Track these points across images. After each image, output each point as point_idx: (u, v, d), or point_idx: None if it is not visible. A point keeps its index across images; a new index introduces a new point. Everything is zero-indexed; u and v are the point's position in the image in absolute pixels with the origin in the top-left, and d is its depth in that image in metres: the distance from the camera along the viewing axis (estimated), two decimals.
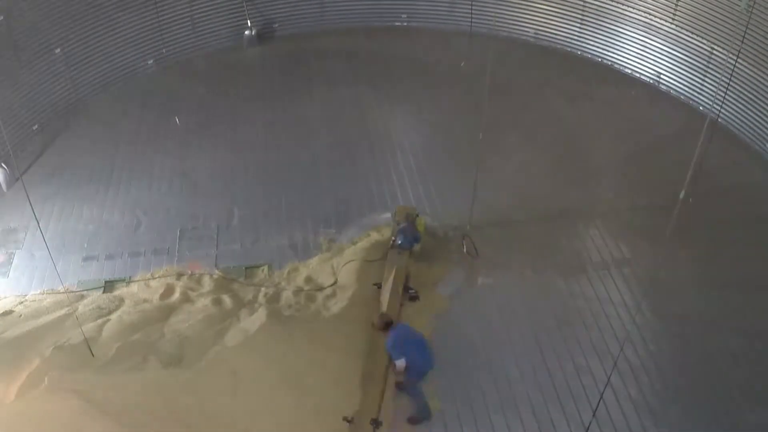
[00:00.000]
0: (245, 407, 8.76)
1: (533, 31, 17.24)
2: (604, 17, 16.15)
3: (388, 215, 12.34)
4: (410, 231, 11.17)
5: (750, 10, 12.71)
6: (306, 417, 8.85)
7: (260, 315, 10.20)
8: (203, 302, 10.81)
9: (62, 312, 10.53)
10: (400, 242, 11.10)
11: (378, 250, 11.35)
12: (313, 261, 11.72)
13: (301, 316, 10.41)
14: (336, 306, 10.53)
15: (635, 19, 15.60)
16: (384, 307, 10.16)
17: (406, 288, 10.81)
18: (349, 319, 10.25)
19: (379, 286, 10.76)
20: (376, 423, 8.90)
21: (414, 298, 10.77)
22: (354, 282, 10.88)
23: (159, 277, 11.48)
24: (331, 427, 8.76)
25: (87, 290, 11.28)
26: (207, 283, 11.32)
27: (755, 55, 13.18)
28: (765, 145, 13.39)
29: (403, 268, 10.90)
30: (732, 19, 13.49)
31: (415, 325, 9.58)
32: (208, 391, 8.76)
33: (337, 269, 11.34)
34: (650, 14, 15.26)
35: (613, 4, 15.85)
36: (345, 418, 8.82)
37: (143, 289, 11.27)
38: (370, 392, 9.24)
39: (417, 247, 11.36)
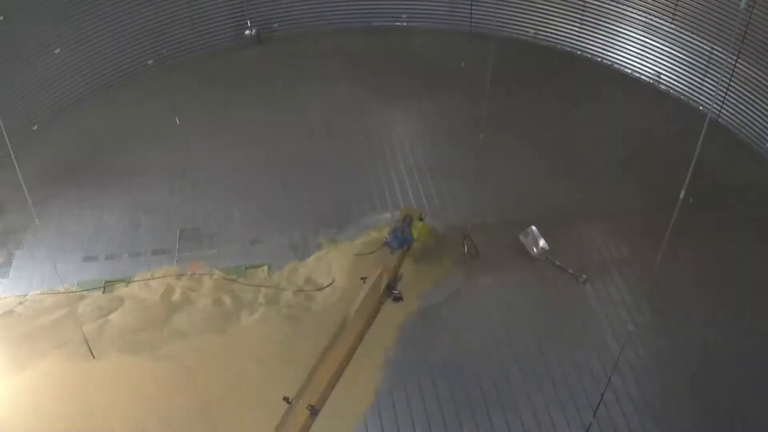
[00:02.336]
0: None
1: (533, 31, 17.24)
2: (604, 17, 16.15)
3: (388, 215, 12.34)
4: (402, 232, 11.16)
5: (750, 10, 12.71)
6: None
7: (260, 315, 10.23)
8: (203, 302, 10.82)
9: (62, 312, 10.54)
10: (389, 241, 11.13)
11: (370, 247, 11.41)
12: (310, 260, 11.73)
13: (296, 314, 10.55)
14: (328, 300, 10.73)
15: (635, 18, 15.60)
16: (357, 304, 10.32)
17: (390, 287, 10.83)
18: (336, 312, 10.44)
19: (365, 280, 10.82)
20: (313, 409, 8.94)
21: (398, 299, 10.78)
22: (345, 278, 11.00)
23: (159, 277, 11.47)
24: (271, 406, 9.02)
25: (87, 290, 11.26)
26: (207, 284, 11.31)
27: (755, 55, 13.19)
28: (765, 145, 13.39)
29: (390, 267, 10.93)
30: (732, 19, 13.49)
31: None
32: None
33: (331, 267, 11.37)
34: (650, 14, 15.26)
35: (613, 3, 15.85)
36: (285, 399, 8.96)
37: (143, 289, 11.25)
38: (318, 379, 9.34)
39: (416, 246, 11.33)
